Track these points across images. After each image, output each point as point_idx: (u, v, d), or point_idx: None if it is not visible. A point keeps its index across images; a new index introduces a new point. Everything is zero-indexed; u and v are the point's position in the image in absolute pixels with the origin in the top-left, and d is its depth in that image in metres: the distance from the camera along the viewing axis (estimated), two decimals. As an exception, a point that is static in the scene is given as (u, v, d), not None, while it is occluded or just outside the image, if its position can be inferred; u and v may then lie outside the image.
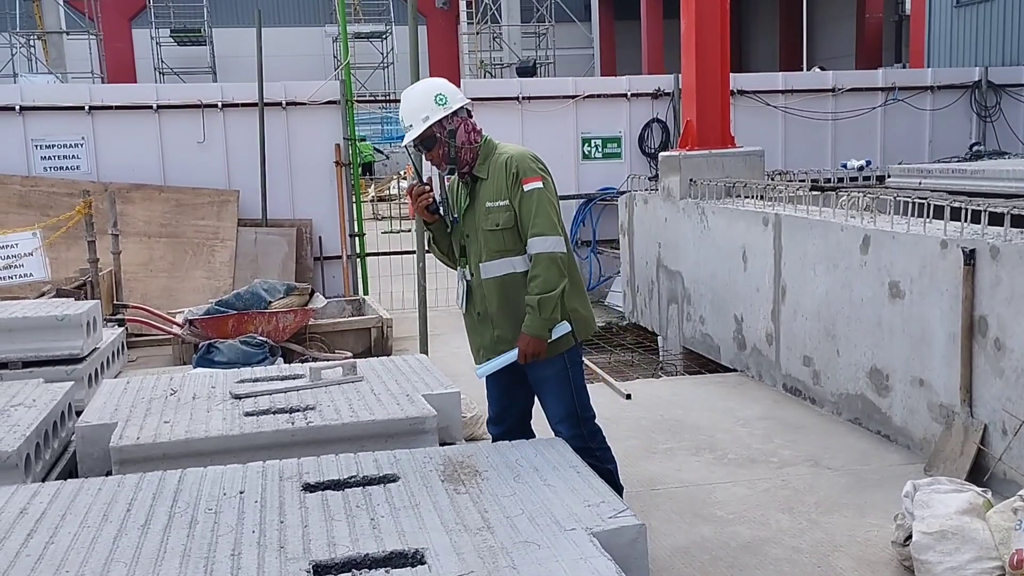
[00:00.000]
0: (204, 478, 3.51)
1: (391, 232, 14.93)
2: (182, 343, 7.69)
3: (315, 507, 3.18)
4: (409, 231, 15.96)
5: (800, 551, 4.14)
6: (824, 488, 4.85)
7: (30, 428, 4.20)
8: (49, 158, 9.90)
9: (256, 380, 5.13)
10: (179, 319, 8.01)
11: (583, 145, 10.83)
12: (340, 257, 10.49)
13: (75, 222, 8.23)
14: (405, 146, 3.95)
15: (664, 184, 8.47)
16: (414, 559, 2.75)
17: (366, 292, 10.35)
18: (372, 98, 21.54)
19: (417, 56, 6.41)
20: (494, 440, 4.23)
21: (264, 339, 7.10)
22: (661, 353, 8.64)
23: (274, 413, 4.45)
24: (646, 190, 9.57)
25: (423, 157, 4.03)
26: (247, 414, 4.45)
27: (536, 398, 4.23)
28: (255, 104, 10.06)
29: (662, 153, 8.78)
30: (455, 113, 3.89)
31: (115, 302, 8.29)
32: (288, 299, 7.72)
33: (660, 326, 8.71)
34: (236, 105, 10.21)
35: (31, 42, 26.25)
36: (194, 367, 6.66)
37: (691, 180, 8.08)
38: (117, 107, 10.02)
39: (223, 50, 29.70)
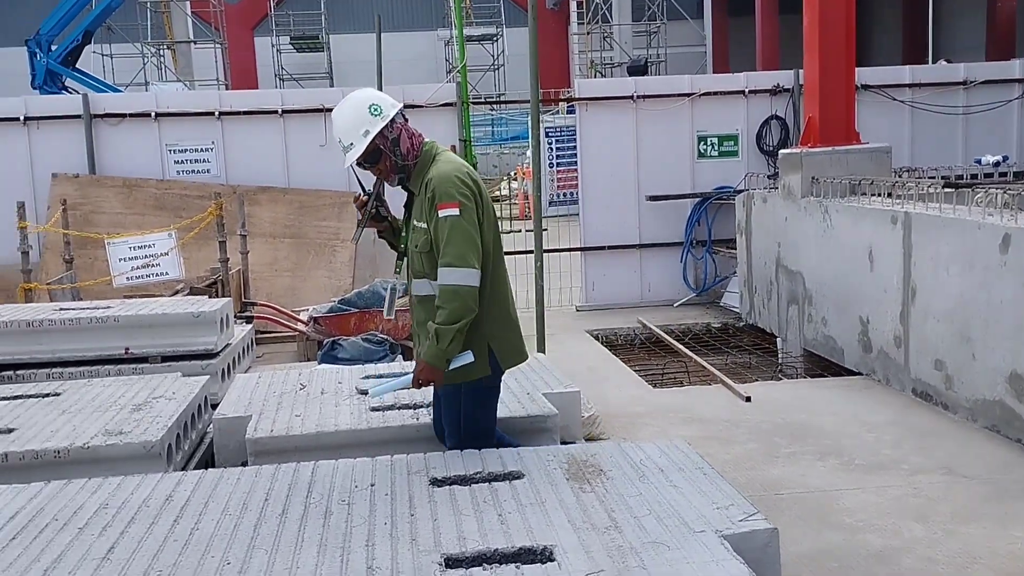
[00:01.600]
0: (336, 470, 3.61)
1: (503, 232, 15.05)
2: (306, 340, 7.92)
3: (443, 501, 3.23)
4: (520, 231, 16.05)
5: (935, 562, 3.98)
6: (960, 497, 4.65)
7: (171, 419, 4.42)
8: (181, 162, 10.36)
9: (380, 376, 5.26)
10: (303, 317, 8.26)
11: (699, 143, 10.66)
12: (455, 257, 10.61)
13: (207, 223, 8.59)
14: (346, 167, 3.74)
15: (784, 182, 8.27)
16: (543, 556, 2.77)
17: (480, 292, 10.45)
18: (484, 100, 21.75)
19: (537, 57, 6.43)
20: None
21: (385, 337, 7.25)
22: (780, 355, 8.44)
23: (399, 409, 4.56)
24: (765, 188, 9.36)
25: (371, 173, 3.81)
26: (373, 409, 4.57)
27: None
28: (374, 107, 10.29)
29: (782, 151, 8.56)
30: (392, 121, 3.69)
31: (243, 300, 8.61)
32: (407, 298, 7.84)
33: (779, 328, 8.51)
34: (356, 109, 10.46)
35: (161, 52, 27.53)
36: (319, 363, 6.86)
37: (813, 178, 7.85)
38: (244, 112, 10.42)
39: (339, 56, 30.54)
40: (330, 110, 10.73)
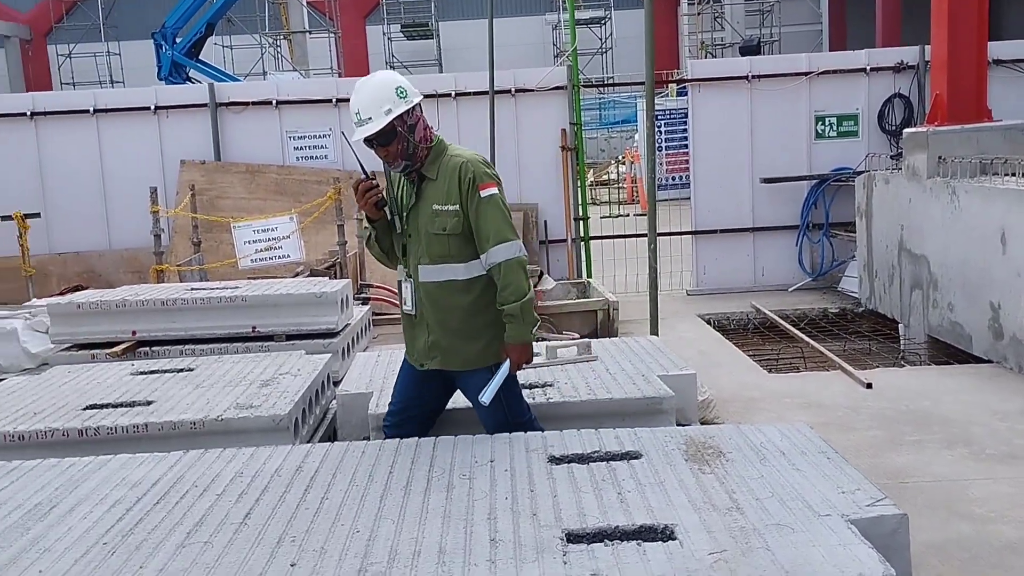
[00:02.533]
0: (455, 446, 3.69)
1: (611, 216, 14.99)
2: (420, 321, 8.08)
3: (562, 479, 3.27)
4: (628, 215, 15.94)
5: (1075, 557, 3.80)
6: (1101, 491, 4.42)
7: (298, 394, 4.59)
8: (300, 148, 10.69)
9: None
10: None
11: (816, 123, 10.36)
12: (564, 240, 10.64)
13: (325, 208, 8.85)
14: (355, 140, 3.65)
15: (908, 162, 7.96)
16: (664, 534, 2.77)
17: (589, 275, 10.46)
18: (595, 83, 21.66)
19: (652, 38, 6.37)
20: (387, 435, 4.01)
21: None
22: (902, 341, 8.15)
23: (515, 388, 4.61)
24: (887, 169, 9.04)
25: (376, 153, 3.73)
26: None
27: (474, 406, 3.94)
28: (486, 92, 10.38)
29: (907, 130, 8.25)
30: (414, 108, 3.69)
31: (360, 282, 8.84)
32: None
33: (901, 313, 8.22)
34: (468, 94, 10.58)
35: (278, 42, 28.38)
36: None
37: (940, 158, 7.54)
38: (360, 99, 10.65)
39: (448, 43, 30.88)
40: (443, 96, 10.85)
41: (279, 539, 2.88)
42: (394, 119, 3.62)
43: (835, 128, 10.40)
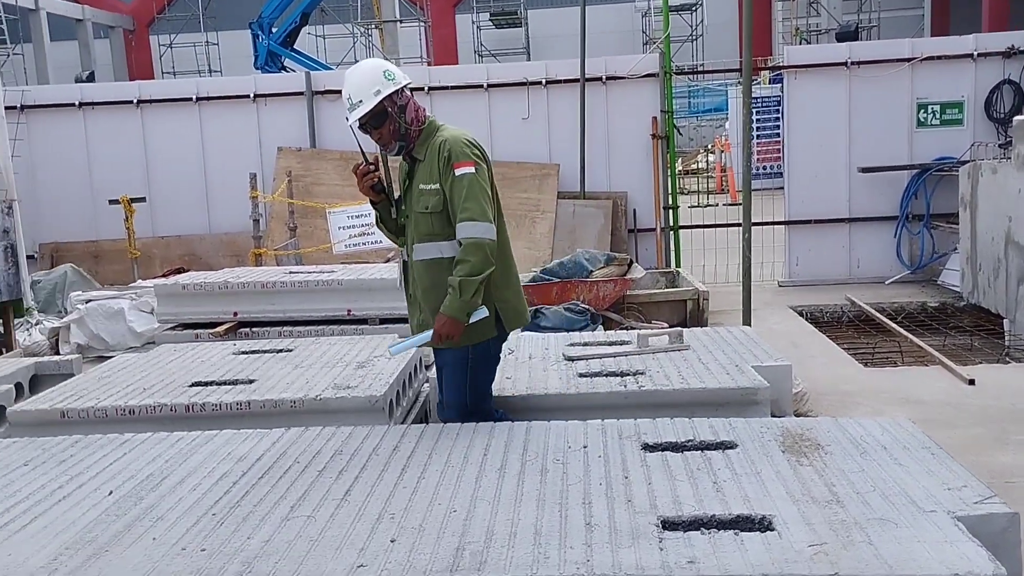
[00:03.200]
0: (548, 431, 3.72)
1: (699, 206, 14.80)
2: (509, 308, 8.13)
3: (656, 466, 3.26)
4: (717, 205, 15.71)
5: None
6: None
7: (392, 377, 4.69)
8: (393, 136, 10.84)
9: (586, 344, 5.35)
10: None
11: (918, 111, 10.03)
12: (653, 229, 10.56)
13: (417, 194, 8.95)
14: (351, 125, 3.84)
15: (1018, 151, 7.65)
16: (762, 524, 2.75)
17: (678, 264, 10.36)
18: (685, 70, 21.34)
19: (752, 23, 6.27)
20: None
21: (586, 307, 7.34)
22: (1007, 337, 7.85)
23: (606, 376, 4.63)
24: (994, 159, 8.70)
25: (371, 136, 3.89)
26: (580, 375, 4.66)
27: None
28: (576, 80, 10.36)
29: (1017, 117, 7.92)
30: (402, 89, 3.84)
31: (449, 268, 8.94)
32: (608, 269, 7.92)
33: (1007, 308, 7.91)
34: (558, 81, 10.58)
35: (369, 31, 28.77)
36: (521, 331, 7.03)
37: (1052, 146, 7.23)
38: (452, 87, 10.76)
39: (536, 31, 30.84)
40: (533, 83, 10.86)
41: (379, 516, 2.95)
42: (384, 99, 3.78)
43: (938, 116, 10.05)
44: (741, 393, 4.32)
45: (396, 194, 4.13)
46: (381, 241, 8.60)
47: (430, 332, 3.86)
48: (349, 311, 6.22)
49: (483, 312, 3.84)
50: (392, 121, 3.84)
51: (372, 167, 3.95)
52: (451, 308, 3.77)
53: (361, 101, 3.81)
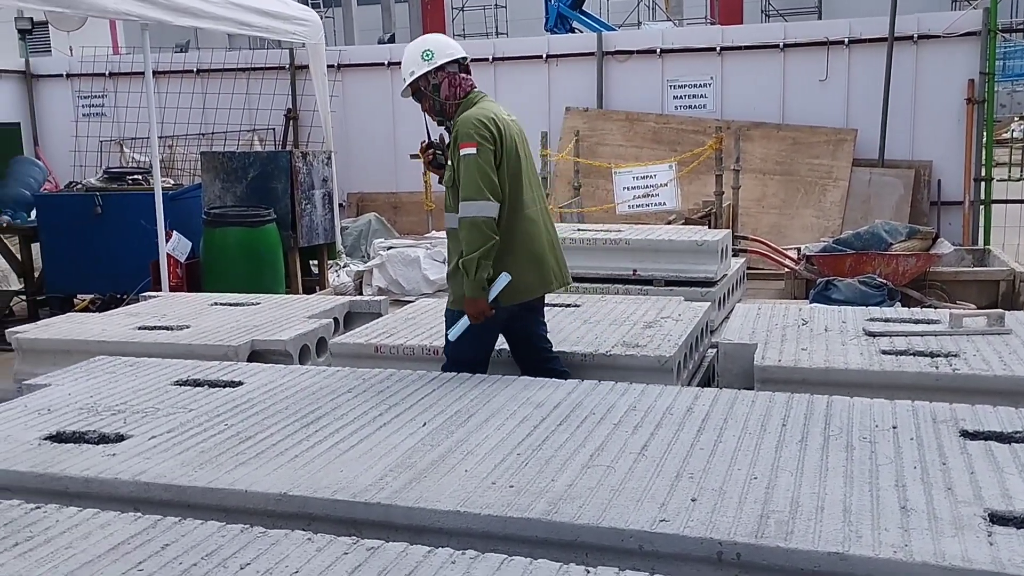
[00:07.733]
0: (852, 408, 3.54)
1: (1010, 180, 13.39)
2: (795, 278, 7.83)
3: (979, 455, 3.02)
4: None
5: None
6: None
7: (681, 338, 4.67)
8: (680, 97, 10.71)
9: (888, 321, 5.03)
10: (791, 255, 8.17)
11: None
12: (961, 203, 9.70)
13: (705, 157, 8.81)
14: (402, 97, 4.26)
15: None
16: (1112, 533, 2.46)
17: (987, 242, 9.46)
18: (1014, 27, 19.22)
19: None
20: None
21: (883, 281, 6.90)
22: None
23: (913, 355, 4.33)
24: None
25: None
26: (884, 352, 4.39)
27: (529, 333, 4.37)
28: (882, 39, 9.66)
29: None
30: (441, 68, 4.10)
31: (734, 234, 8.73)
32: (909, 242, 7.39)
33: None
34: (863, 41, 9.92)
35: (656, -9, 28.46)
36: (811, 302, 6.75)
37: None
38: (745, 47, 10.42)
39: (831, -13, 29.05)
40: (835, 43, 10.32)
41: (677, 473, 2.95)
42: (418, 79, 4.12)
43: None
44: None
45: None
46: (664, 203, 8.57)
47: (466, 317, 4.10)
48: (635, 271, 6.25)
49: (503, 280, 4.02)
50: (428, 99, 4.17)
51: (428, 143, 4.32)
52: (468, 289, 4.01)
53: (404, 80, 4.20)
